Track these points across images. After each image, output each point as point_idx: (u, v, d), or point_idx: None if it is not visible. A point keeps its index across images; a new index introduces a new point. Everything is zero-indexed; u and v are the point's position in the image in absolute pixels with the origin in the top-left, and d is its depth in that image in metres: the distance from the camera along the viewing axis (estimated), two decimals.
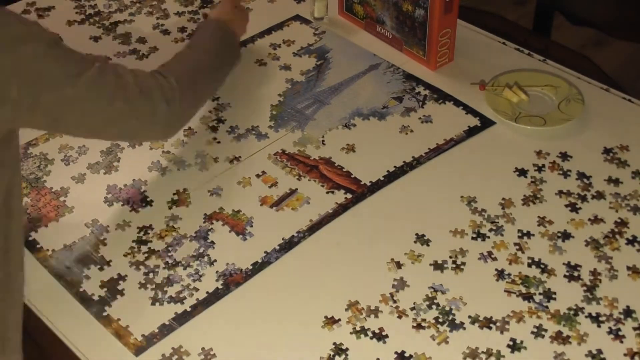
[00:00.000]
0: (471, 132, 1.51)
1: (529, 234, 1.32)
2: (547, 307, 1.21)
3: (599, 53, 2.77)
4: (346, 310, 1.22)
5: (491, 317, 1.20)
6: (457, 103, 1.57)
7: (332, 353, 1.17)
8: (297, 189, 1.40)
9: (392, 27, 1.70)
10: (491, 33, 1.76)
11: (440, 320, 1.20)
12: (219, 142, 1.51)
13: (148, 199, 1.40)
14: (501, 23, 1.90)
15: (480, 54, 1.70)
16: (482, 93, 1.58)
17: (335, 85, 1.64)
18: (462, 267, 1.27)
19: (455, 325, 1.19)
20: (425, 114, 1.56)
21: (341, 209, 1.37)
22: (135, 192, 1.41)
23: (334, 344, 1.18)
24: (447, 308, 1.21)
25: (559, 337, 1.17)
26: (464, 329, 1.19)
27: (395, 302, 1.23)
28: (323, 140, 1.51)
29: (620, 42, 2.64)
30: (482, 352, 1.16)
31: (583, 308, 1.21)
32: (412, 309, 1.22)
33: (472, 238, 1.31)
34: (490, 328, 1.19)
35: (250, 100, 1.61)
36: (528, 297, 1.22)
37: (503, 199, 1.38)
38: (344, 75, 1.66)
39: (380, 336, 1.18)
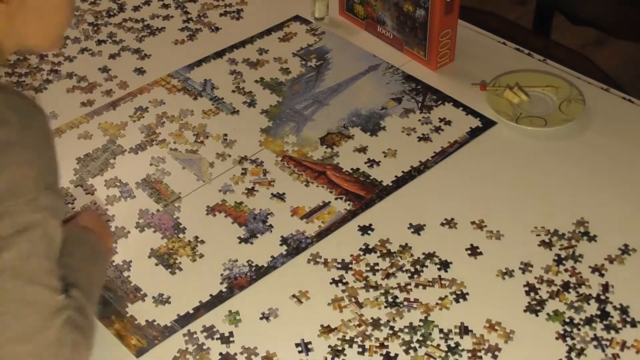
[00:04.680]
0: (473, 133, 1.51)
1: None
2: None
3: (599, 53, 2.77)
4: (347, 319, 1.22)
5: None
6: (457, 104, 1.57)
7: (329, 356, 1.17)
8: (329, 202, 1.39)
9: (393, 27, 1.70)
10: (491, 33, 1.76)
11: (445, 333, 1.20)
12: (221, 143, 1.51)
13: (181, 226, 1.36)
14: (501, 23, 1.90)
15: (480, 54, 1.70)
16: (482, 94, 1.58)
17: (334, 86, 1.64)
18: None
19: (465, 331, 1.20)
20: (425, 115, 1.55)
21: (350, 215, 1.37)
22: (167, 219, 1.38)
23: (330, 346, 1.18)
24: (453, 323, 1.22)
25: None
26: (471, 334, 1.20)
27: (399, 308, 1.22)
28: (322, 141, 1.51)
29: (620, 42, 2.64)
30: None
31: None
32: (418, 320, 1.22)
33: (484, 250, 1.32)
34: (495, 330, 1.19)
35: (249, 100, 1.61)
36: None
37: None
38: (343, 76, 1.66)
39: (382, 345, 1.18)
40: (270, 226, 1.34)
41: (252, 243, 1.32)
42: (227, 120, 1.56)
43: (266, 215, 1.36)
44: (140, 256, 1.31)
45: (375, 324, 1.20)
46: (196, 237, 1.34)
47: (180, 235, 1.34)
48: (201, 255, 1.31)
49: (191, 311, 1.23)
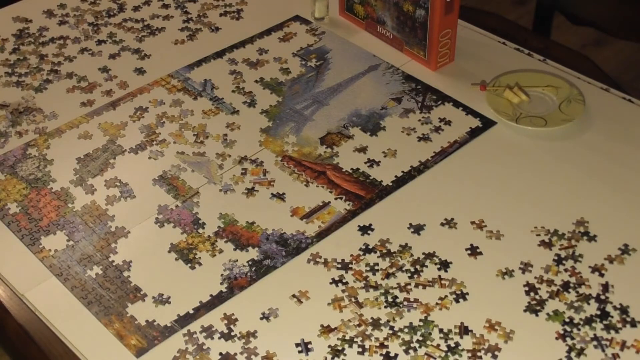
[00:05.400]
0: (473, 133, 1.51)
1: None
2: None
3: (599, 53, 2.78)
4: (347, 319, 1.22)
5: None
6: (457, 104, 1.57)
7: (329, 356, 1.17)
8: (329, 202, 1.39)
9: (393, 27, 1.70)
10: (491, 33, 1.76)
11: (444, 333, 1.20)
12: (221, 143, 1.51)
13: (200, 221, 1.37)
14: (501, 23, 1.90)
15: (480, 54, 1.70)
16: (482, 93, 1.58)
17: (334, 86, 1.64)
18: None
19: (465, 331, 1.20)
20: (425, 115, 1.56)
21: (350, 215, 1.37)
22: (187, 214, 1.38)
23: (330, 346, 1.18)
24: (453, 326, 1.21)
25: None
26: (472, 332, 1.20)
27: (399, 308, 1.23)
28: (322, 141, 1.51)
29: (620, 42, 2.64)
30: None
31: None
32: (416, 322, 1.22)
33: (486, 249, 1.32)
34: (495, 330, 1.19)
35: (249, 100, 1.61)
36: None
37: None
38: (343, 76, 1.66)
39: (382, 345, 1.18)
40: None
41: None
42: (227, 120, 1.57)
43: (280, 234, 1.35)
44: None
45: (375, 324, 1.20)
46: (216, 233, 1.34)
47: (200, 231, 1.34)
48: (220, 251, 1.31)
49: (191, 311, 1.23)
